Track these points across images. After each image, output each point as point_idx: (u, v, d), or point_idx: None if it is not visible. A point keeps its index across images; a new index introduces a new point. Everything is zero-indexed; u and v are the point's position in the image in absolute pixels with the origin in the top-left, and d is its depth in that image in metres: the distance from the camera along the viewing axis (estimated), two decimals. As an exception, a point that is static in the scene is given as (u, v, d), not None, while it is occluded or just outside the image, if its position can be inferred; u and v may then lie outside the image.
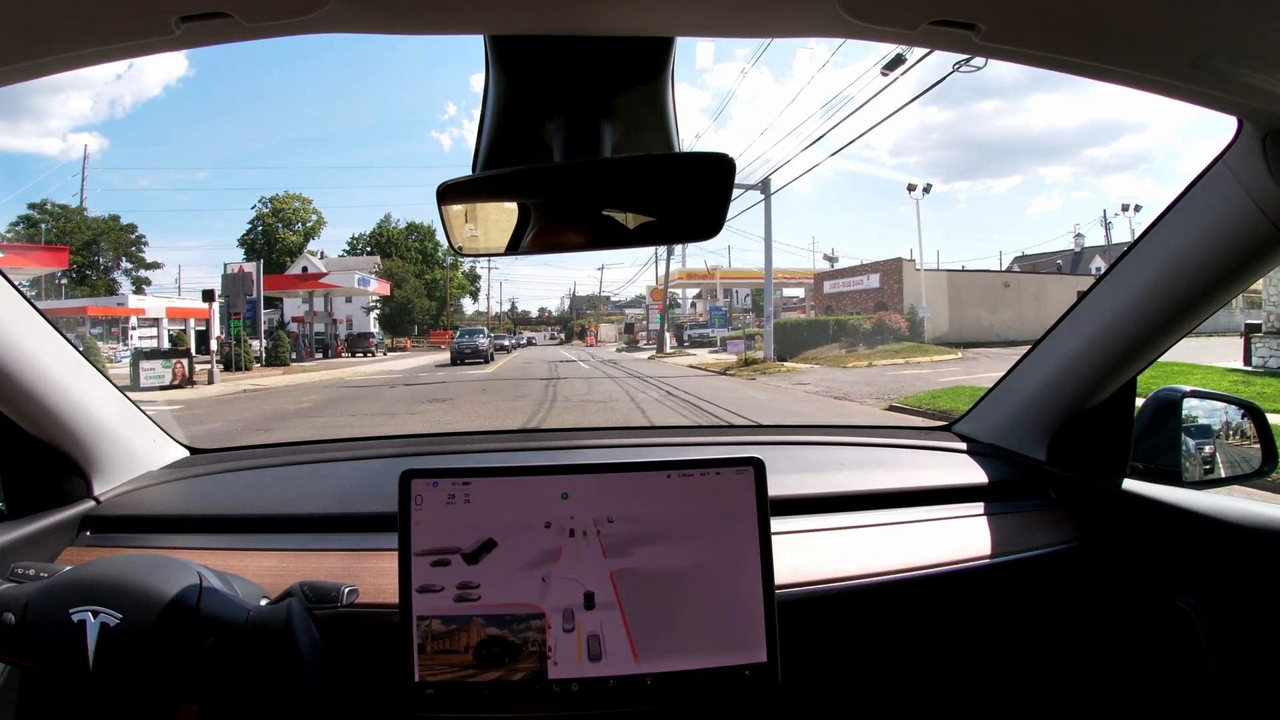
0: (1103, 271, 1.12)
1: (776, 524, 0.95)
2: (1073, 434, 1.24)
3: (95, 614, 0.79)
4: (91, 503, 1.16)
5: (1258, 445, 1.20)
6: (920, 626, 1.10)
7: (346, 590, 0.87)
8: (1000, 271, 36.28)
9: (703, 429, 2.60)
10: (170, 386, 14.77)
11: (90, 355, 1.39)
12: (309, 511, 1.15)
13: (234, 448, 1.50)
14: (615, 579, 0.88)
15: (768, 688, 0.88)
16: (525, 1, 0.62)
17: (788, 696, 1.05)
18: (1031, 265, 42.93)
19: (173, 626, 0.80)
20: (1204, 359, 11.91)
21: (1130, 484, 1.17)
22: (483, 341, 21.45)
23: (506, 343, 35.27)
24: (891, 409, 10.06)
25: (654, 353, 28.24)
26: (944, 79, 13.34)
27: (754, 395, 12.20)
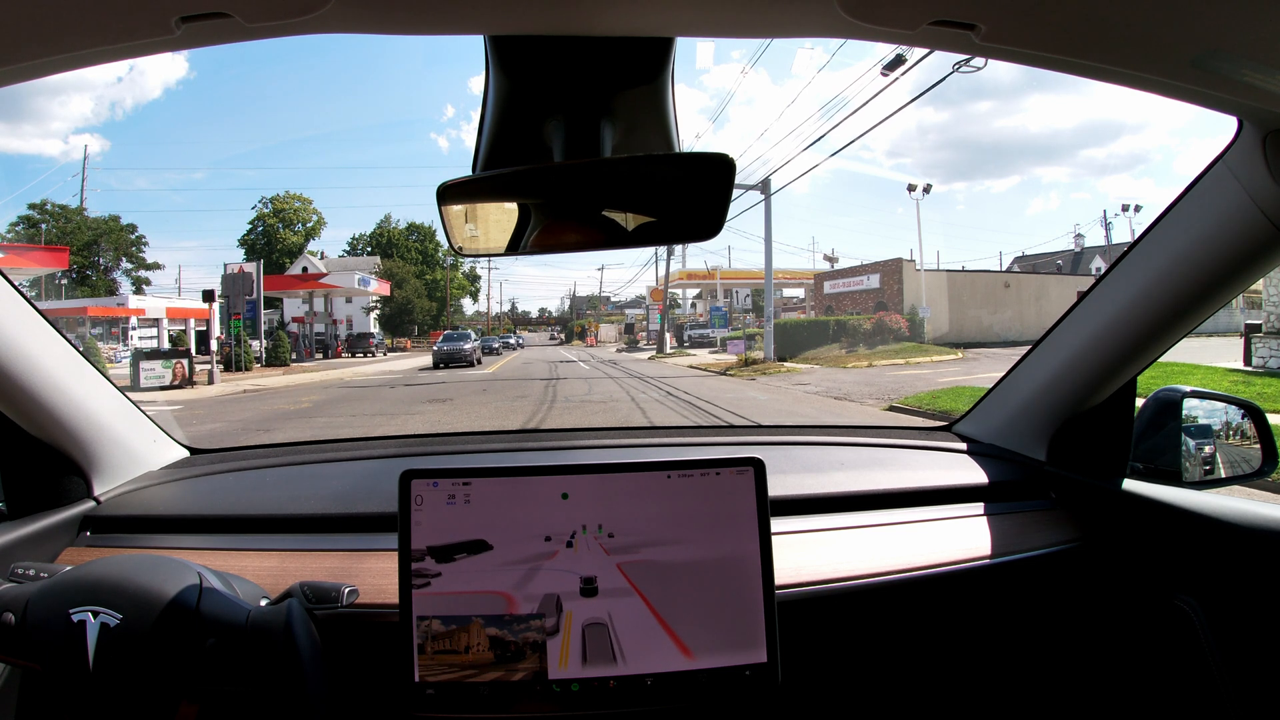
0: (1103, 272, 1.12)
1: (777, 524, 0.95)
2: (1073, 434, 1.24)
3: (95, 614, 0.79)
4: (91, 503, 1.15)
5: (1258, 445, 1.20)
6: (921, 627, 1.09)
7: (346, 590, 0.87)
8: (1000, 272, 36.30)
9: (703, 429, 2.60)
10: (170, 387, 14.80)
11: (90, 355, 1.39)
12: (309, 511, 1.15)
13: (234, 448, 1.50)
14: (615, 579, 0.88)
15: (768, 688, 0.87)
16: (525, 1, 0.62)
17: (788, 696, 1.05)
18: (1031, 265, 42.98)
19: (173, 627, 0.80)
20: (1204, 359, 11.92)
21: (1130, 484, 1.17)
22: (468, 346, 20.94)
23: (509, 342, 35.00)
24: (891, 409, 10.06)
25: (654, 353, 28.27)
26: (943, 79, 13.35)
27: (754, 395, 12.20)
